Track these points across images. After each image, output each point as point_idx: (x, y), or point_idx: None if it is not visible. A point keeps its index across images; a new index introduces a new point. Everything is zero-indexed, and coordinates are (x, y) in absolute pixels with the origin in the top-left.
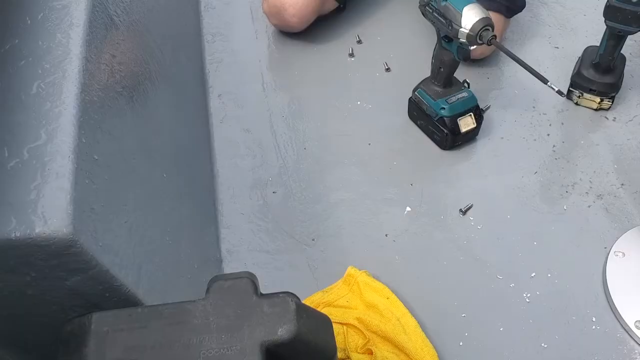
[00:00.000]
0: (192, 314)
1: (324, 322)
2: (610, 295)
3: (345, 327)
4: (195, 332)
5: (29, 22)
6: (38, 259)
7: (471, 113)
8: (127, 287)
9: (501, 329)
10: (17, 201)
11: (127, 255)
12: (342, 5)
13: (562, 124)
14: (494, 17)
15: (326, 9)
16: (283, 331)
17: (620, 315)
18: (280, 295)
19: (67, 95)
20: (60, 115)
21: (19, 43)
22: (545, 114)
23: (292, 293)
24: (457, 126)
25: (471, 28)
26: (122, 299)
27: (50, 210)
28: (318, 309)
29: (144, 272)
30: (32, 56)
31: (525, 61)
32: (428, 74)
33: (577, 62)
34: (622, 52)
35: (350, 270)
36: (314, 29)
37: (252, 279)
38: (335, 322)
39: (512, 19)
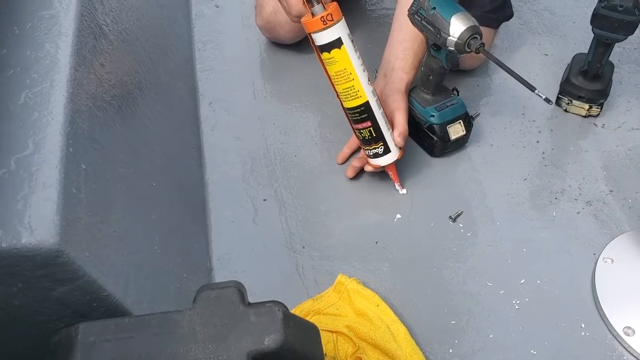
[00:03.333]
0: (179, 323)
1: (312, 331)
2: (599, 302)
3: (335, 335)
4: (182, 342)
5: (17, 31)
6: (24, 269)
7: (461, 120)
8: (114, 297)
9: (491, 336)
10: (3, 211)
11: (115, 265)
12: None
13: (552, 130)
14: (482, 30)
15: None
16: (270, 341)
17: (609, 322)
18: (267, 304)
19: (55, 105)
20: (48, 125)
21: (7, 53)
22: (534, 120)
23: (279, 302)
24: (446, 133)
25: (459, 36)
26: (110, 309)
27: (37, 220)
28: (308, 317)
29: (132, 282)
30: (20, 66)
31: (514, 68)
32: (418, 81)
33: (565, 69)
34: (610, 59)
35: (340, 277)
36: (305, 37)
37: (239, 288)
38: (325, 330)
39: (501, 26)
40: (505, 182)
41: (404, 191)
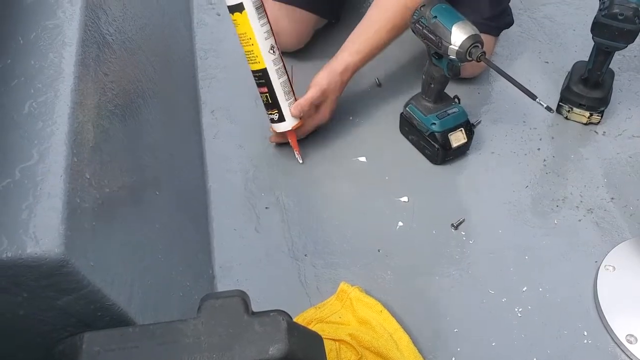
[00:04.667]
0: (184, 333)
1: (316, 341)
2: (601, 309)
3: (337, 343)
4: (186, 351)
5: (21, 41)
6: (29, 279)
7: (462, 128)
8: (119, 306)
9: (493, 344)
10: (8, 221)
11: (119, 274)
12: (334, 21)
13: (553, 138)
14: (483, 38)
15: (320, 24)
16: (274, 350)
17: (611, 329)
18: (272, 313)
19: (59, 114)
20: (52, 135)
21: (11, 63)
22: (535, 128)
23: (283, 311)
24: (448, 141)
25: (460, 45)
26: (114, 318)
27: (41, 230)
28: (310, 325)
29: (136, 291)
30: (24, 76)
31: (515, 76)
32: (419, 89)
33: (566, 77)
34: (610, 66)
35: (343, 286)
36: (306, 45)
37: (243, 298)
38: (328, 338)
39: (501, 33)
40: (507, 189)
41: (301, 161)
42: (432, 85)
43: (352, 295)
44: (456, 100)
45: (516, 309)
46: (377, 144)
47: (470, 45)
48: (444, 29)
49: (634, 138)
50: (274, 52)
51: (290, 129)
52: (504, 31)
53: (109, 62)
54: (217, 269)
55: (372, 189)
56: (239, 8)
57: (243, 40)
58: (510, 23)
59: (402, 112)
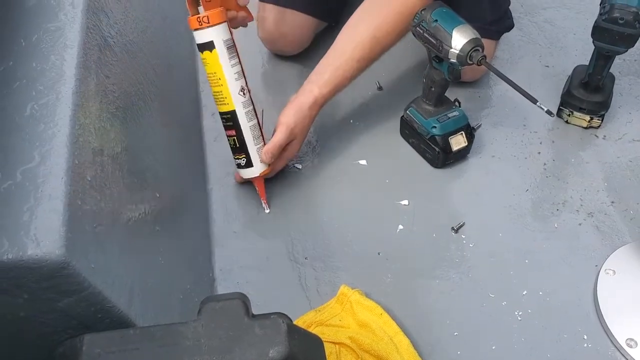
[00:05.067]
0: (184, 335)
1: (316, 343)
2: (601, 313)
3: (338, 346)
4: (186, 353)
5: (23, 44)
6: (30, 281)
7: (462, 132)
8: (119, 308)
9: (493, 347)
10: (9, 223)
11: (120, 277)
12: (333, 24)
13: (553, 142)
14: (483, 42)
15: (320, 27)
16: (274, 353)
17: (611, 333)
18: (272, 316)
19: (60, 116)
20: (53, 137)
21: (13, 65)
22: (535, 132)
23: (283, 314)
24: (448, 145)
25: (461, 49)
26: (115, 321)
27: (42, 232)
28: (311, 328)
29: (136, 293)
30: (26, 78)
31: (515, 80)
32: (419, 92)
33: (566, 81)
34: (610, 70)
35: (343, 289)
36: (306, 48)
37: (243, 300)
38: (328, 342)
39: (502, 37)
40: (507, 193)
41: (268, 210)
42: (433, 89)
43: (352, 298)
44: (457, 103)
45: (516, 313)
46: (377, 147)
47: (471, 49)
48: (445, 32)
49: (634, 142)
50: (244, 94)
51: (258, 175)
52: (504, 35)
53: (110, 64)
54: (218, 272)
55: (373, 192)
56: (209, 47)
57: (212, 80)
58: (510, 27)
59: (403, 116)
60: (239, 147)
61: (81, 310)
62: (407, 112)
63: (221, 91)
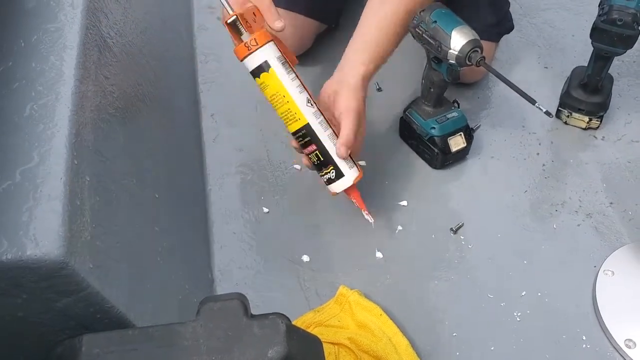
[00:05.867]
0: (183, 335)
1: (315, 344)
2: (600, 314)
3: (336, 347)
4: (185, 354)
5: (22, 44)
6: (29, 281)
7: (461, 132)
8: (118, 308)
9: (492, 348)
10: (8, 223)
11: (119, 277)
12: (333, 26)
13: (552, 143)
14: (483, 43)
15: (320, 29)
16: (273, 353)
17: (610, 334)
18: (270, 316)
19: (59, 117)
20: (52, 137)
21: (12, 65)
22: (534, 133)
23: (282, 314)
24: (447, 146)
25: (460, 50)
26: (114, 321)
27: (41, 232)
28: (310, 329)
29: (135, 293)
30: (25, 78)
31: (514, 81)
32: (419, 94)
33: (565, 82)
34: (609, 72)
35: (342, 289)
36: (307, 50)
37: (242, 300)
38: (327, 342)
39: (501, 39)
40: (506, 194)
41: (372, 221)
42: (432, 90)
43: (351, 299)
44: (456, 104)
45: (515, 314)
46: (376, 148)
47: (470, 50)
48: (444, 33)
49: (632, 143)
50: (312, 104)
51: (352, 183)
52: (504, 36)
53: (109, 65)
54: (216, 273)
55: (372, 193)
56: (264, 68)
57: (276, 101)
58: (510, 29)
59: (402, 117)
60: (323, 161)
61: (80, 311)
62: (406, 113)
63: (289, 108)
